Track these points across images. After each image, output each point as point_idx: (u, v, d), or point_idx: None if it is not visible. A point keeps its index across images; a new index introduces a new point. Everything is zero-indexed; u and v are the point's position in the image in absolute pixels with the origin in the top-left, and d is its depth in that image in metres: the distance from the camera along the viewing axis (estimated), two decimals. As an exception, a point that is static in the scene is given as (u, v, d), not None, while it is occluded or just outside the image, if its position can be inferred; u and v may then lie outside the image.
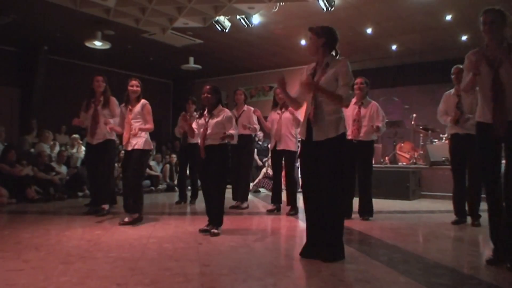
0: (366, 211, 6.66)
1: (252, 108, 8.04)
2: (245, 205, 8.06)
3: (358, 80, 6.75)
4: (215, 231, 5.32)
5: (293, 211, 7.30)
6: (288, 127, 7.42)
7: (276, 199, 7.73)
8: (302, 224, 6.56)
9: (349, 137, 6.20)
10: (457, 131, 6.23)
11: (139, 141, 6.24)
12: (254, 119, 7.92)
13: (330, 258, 3.98)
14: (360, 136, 6.60)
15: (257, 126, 8.01)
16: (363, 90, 6.80)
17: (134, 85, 6.37)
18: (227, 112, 5.57)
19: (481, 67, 3.90)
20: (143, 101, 6.41)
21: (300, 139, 4.54)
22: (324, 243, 4.07)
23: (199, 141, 5.60)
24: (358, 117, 6.65)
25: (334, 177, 4.09)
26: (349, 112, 6.54)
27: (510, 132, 3.79)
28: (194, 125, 5.73)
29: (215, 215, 5.43)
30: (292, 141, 7.46)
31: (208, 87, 5.54)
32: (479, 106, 4.09)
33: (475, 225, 6.12)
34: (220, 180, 5.49)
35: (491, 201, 3.92)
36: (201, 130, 5.54)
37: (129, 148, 6.27)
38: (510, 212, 3.77)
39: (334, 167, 4.10)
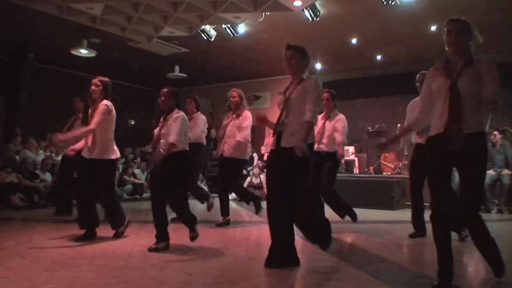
0: None
1: (203, 117, 7.51)
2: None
3: (325, 95, 6.62)
4: (153, 246, 4.95)
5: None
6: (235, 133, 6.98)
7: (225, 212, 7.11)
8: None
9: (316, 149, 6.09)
10: (421, 142, 5.68)
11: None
12: (200, 128, 7.38)
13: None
14: (323, 148, 6.53)
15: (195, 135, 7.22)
16: (328, 106, 6.66)
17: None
18: (178, 115, 5.14)
19: (437, 79, 3.73)
20: None
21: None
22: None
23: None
24: (322, 129, 6.56)
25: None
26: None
27: (466, 146, 3.46)
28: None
29: (156, 229, 5.07)
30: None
31: (165, 90, 5.22)
32: (433, 120, 3.75)
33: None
34: (160, 195, 5.14)
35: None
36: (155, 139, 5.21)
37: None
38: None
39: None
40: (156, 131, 5.25)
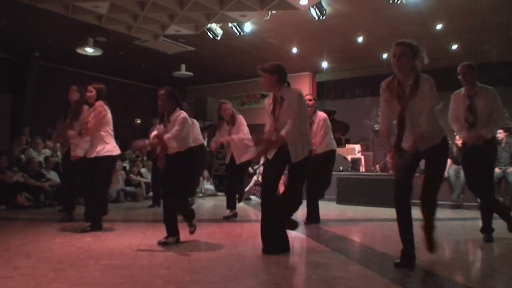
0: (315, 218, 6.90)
1: (241, 117, 7.79)
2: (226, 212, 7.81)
3: (307, 97, 6.78)
4: (164, 240, 5.17)
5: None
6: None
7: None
8: (291, 232, 6.56)
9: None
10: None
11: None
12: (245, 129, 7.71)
13: None
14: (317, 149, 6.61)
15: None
16: (311, 107, 6.90)
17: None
18: (180, 114, 5.21)
19: (391, 100, 4.31)
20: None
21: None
22: None
23: (158, 149, 5.30)
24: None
25: None
26: None
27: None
28: (154, 133, 5.41)
29: (168, 225, 5.24)
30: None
31: (161, 92, 5.28)
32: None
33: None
34: (178, 193, 5.18)
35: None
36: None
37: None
38: None
39: None
40: (161, 130, 5.28)
